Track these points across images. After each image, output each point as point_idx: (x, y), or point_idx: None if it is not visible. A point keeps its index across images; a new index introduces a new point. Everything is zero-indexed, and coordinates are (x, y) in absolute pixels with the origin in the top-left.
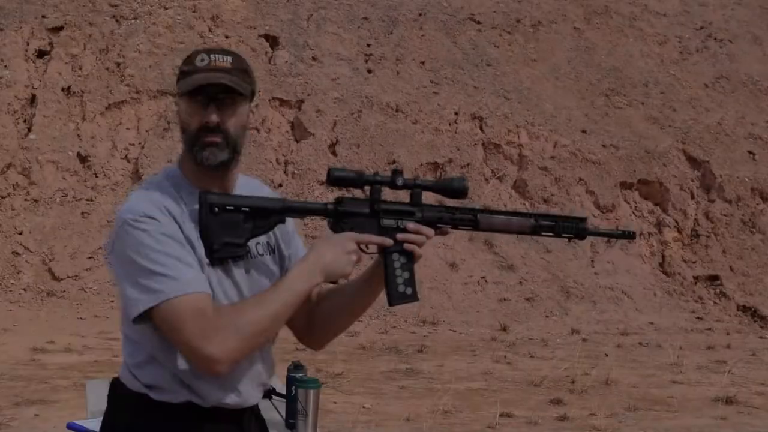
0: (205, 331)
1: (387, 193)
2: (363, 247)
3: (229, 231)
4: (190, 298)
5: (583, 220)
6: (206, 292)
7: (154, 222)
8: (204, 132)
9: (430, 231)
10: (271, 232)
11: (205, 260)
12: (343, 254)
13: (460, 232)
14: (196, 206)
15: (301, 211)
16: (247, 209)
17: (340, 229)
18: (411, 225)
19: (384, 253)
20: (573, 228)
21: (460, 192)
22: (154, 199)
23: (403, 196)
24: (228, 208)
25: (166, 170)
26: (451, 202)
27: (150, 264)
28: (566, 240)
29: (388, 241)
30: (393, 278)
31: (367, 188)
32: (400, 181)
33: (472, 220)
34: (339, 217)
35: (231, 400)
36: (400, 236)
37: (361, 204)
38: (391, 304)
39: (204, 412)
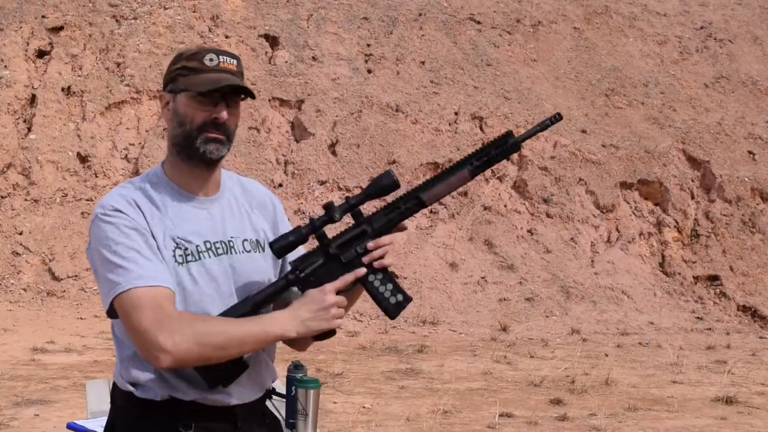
0: (161, 321)
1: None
2: (344, 289)
3: None
4: (147, 290)
5: (509, 133)
6: (165, 286)
7: (120, 215)
8: (209, 127)
9: (387, 239)
10: (260, 229)
11: (174, 259)
12: (320, 311)
13: (460, 233)
14: (173, 203)
15: (268, 299)
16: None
17: (313, 287)
18: (369, 244)
19: (362, 282)
20: (504, 147)
21: (392, 186)
22: (125, 194)
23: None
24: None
25: (149, 172)
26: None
27: (112, 256)
28: (500, 163)
29: (360, 272)
30: (381, 296)
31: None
32: (337, 215)
33: (418, 203)
34: (304, 282)
35: (215, 397)
36: (366, 259)
37: (315, 256)
38: (392, 318)
39: (188, 408)
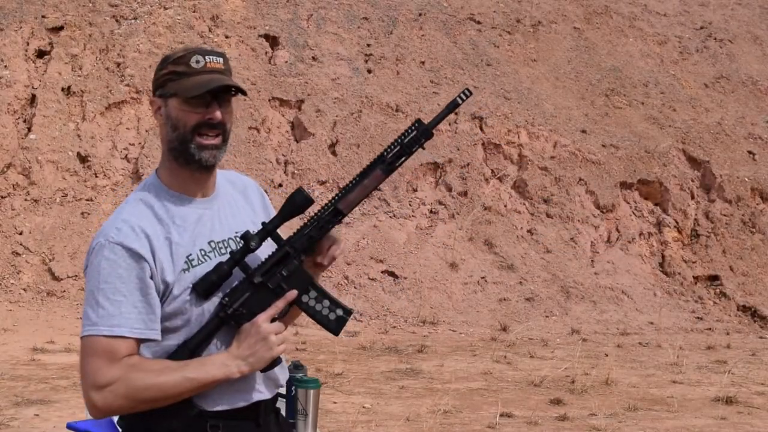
0: (101, 376)
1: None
2: (279, 315)
3: None
4: (108, 341)
5: (418, 121)
6: (132, 337)
7: (119, 251)
8: (204, 128)
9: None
10: (257, 220)
11: (183, 265)
12: (258, 343)
13: (460, 233)
14: (177, 210)
15: (203, 343)
16: None
17: (246, 320)
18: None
19: (296, 303)
20: (415, 137)
21: (305, 204)
22: (128, 218)
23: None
24: None
25: (145, 183)
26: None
27: (98, 294)
28: (421, 150)
29: (291, 295)
30: (319, 315)
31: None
32: (254, 243)
33: (336, 214)
34: (236, 317)
35: (243, 401)
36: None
37: (241, 288)
38: (335, 334)
39: (213, 414)
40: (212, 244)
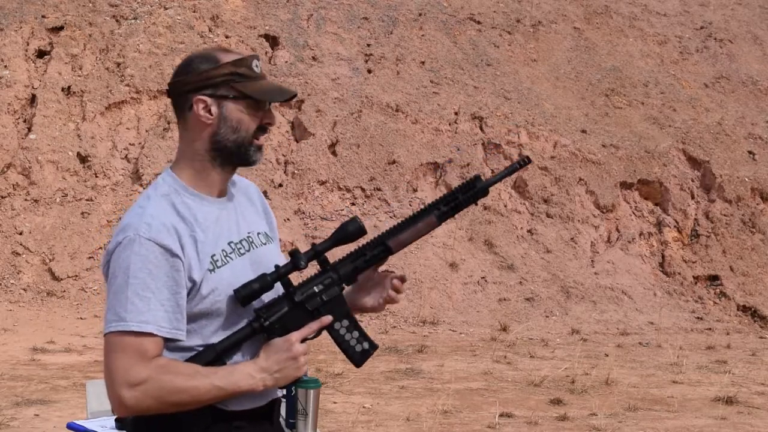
0: (129, 376)
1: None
2: (309, 337)
3: None
4: (138, 338)
5: (477, 178)
6: (160, 335)
7: (152, 247)
8: (259, 133)
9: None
10: (262, 222)
11: (209, 264)
12: (288, 360)
13: (460, 233)
14: (200, 210)
15: (233, 348)
16: None
17: (278, 335)
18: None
19: (327, 329)
20: (473, 191)
21: (357, 233)
22: (158, 214)
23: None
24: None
25: (163, 180)
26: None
27: (127, 289)
28: (475, 205)
29: (326, 320)
30: (347, 345)
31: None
32: (303, 262)
33: (384, 250)
34: (269, 330)
35: (262, 399)
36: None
37: (280, 303)
38: (357, 366)
39: (230, 413)
40: (232, 245)
